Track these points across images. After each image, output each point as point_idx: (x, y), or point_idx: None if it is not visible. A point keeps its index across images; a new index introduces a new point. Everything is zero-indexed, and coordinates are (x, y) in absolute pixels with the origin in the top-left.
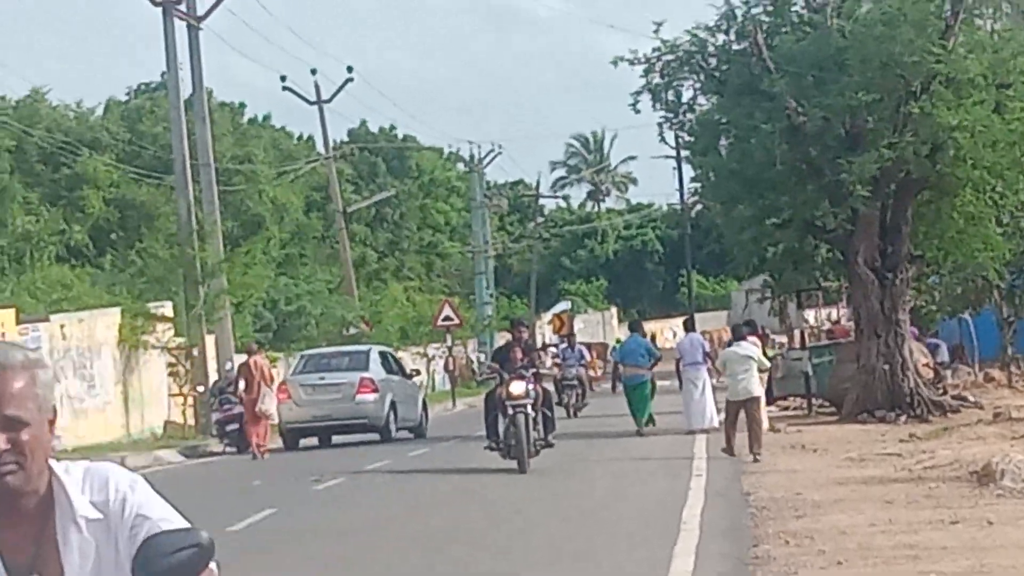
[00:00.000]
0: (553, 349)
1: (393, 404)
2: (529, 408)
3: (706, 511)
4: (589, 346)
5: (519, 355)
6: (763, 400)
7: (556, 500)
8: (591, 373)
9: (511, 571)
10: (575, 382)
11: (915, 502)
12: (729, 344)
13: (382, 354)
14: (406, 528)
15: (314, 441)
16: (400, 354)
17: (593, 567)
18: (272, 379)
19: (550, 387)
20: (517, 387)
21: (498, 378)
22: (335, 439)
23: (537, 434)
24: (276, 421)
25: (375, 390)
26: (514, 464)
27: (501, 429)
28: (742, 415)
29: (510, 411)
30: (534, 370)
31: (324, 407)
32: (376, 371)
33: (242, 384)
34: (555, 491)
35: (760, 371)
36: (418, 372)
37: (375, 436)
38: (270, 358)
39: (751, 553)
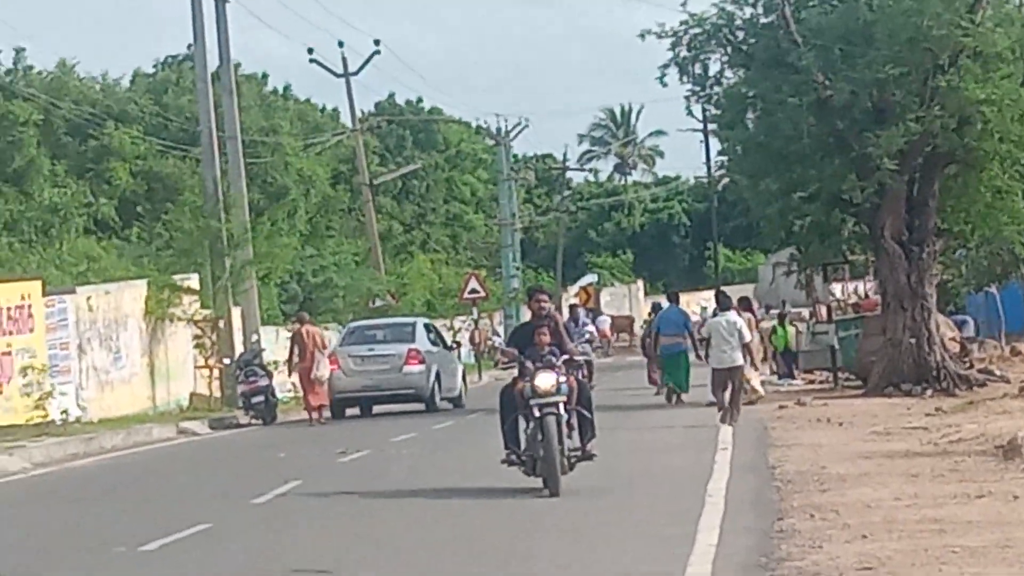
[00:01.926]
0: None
1: (438, 375)
2: (561, 408)
3: (731, 485)
4: (596, 316)
5: (546, 337)
6: (746, 369)
7: (579, 473)
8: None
9: (533, 544)
10: (580, 360)
11: (940, 476)
12: (715, 314)
13: (427, 326)
14: (429, 502)
15: (355, 411)
16: None
17: (618, 541)
18: (324, 346)
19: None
20: (545, 380)
21: (518, 368)
22: (376, 409)
23: (571, 442)
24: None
25: (422, 361)
26: (539, 483)
27: (523, 437)
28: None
29: (535, 412)
30: (565, 356)
31: (373, 377)
32: (422, 343)
33: (296, 352)
34: (578, 464)
35: (743, 343)
36: (459, 344)
37: (419, 406)
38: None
39: (776, 527)
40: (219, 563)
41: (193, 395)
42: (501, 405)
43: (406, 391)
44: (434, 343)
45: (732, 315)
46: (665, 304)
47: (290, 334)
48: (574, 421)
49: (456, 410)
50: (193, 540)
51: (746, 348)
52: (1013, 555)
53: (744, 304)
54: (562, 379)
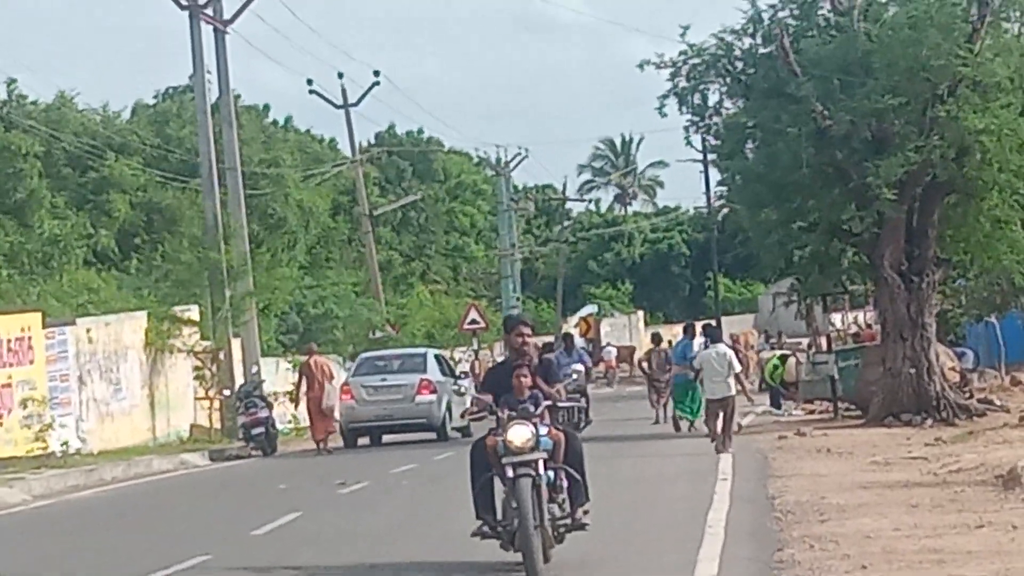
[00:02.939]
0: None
1: (449, 405)
2: (541, 467)
3: (731, 514)
4: (593, 347)
5: (527, 379)
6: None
7: None
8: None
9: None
10: (574, 395)
11: (940, 506)
12: (706, 346)
13: (437, 357)
14: (428, 532)
15: (364, 439)
16: None
17: (617, 571)
18: (333, 377)
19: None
20: (519, 433)
21: (494, 419)
22: (385, 438)
23: (560, 509)
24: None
25: (433, 391)
26: (518, 557)
27: (498, 502)
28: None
29: (508, 473)
30: (548, 403)
31: (386, 407)
32: (433, 373)
33: (304, 383)
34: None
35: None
36: (466, 374)
37: (430, 435)
38: (295, 362)
39: (775, 557)
40: None
41: (193, 427)
42: (471, 464)
43: (418, 420)
44: (444, 373)
45: (722, 347)
46: (680, 335)
47: (290, 365)
48: (562, 481)
49: (463, 439)
50: (192, 572)
51: (738, 378)
52: None
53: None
54: (542, 431)
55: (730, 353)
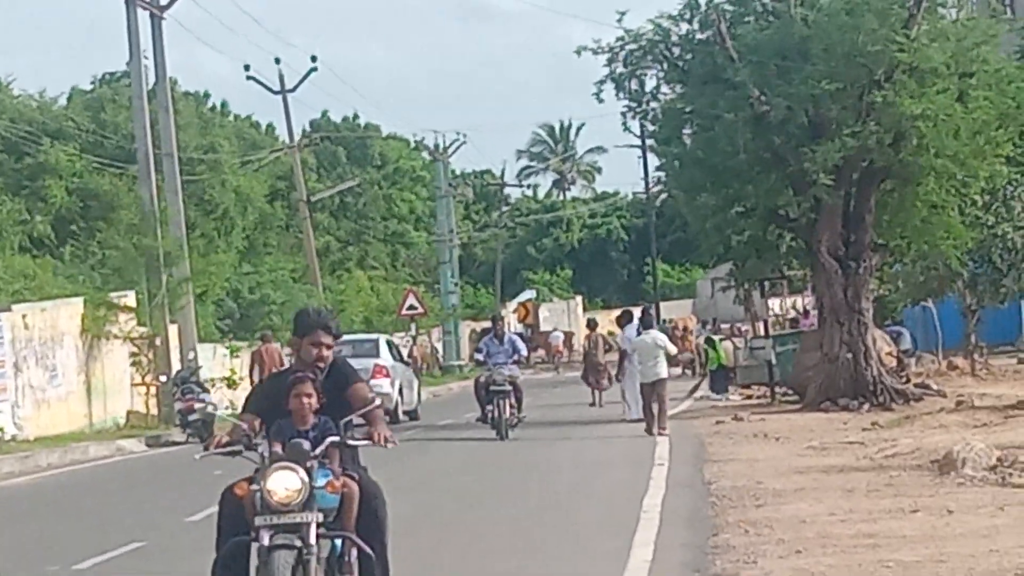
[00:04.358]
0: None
1: (401, 389)
2: (313, 534)
3: (667, 500)
4: (531, 334)
5: (309, 399)
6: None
7: (516, 490)
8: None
9: (470, 563)
10: (506, 386)
11: (876, 491)
12: (638, 332)
13: (388, 343)
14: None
15: None
16: None
17: (553, 558)
18: (283, 364)
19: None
20: (282, 483)
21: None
22: None
23: None
24: None
25: (387, 375)
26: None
27: None
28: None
29: (264, 540)
30: (334, 438)
31: None
32: (386, 358)
33: (256, 370)
34: (516, 481)
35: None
36: (414, 359)
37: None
38: (232, 348)
39: (711, 542)
40: None
41: (130, 413)
42: (219, 518)
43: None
44: (395, 359)
45: (654, 332)
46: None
47: (227, 351)
48: (350, 557)
49: (403, 423)
50: (127, 558)
51: (669, 361)
52: (947, 569)
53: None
54: (320, 480)
55: (662, 337)
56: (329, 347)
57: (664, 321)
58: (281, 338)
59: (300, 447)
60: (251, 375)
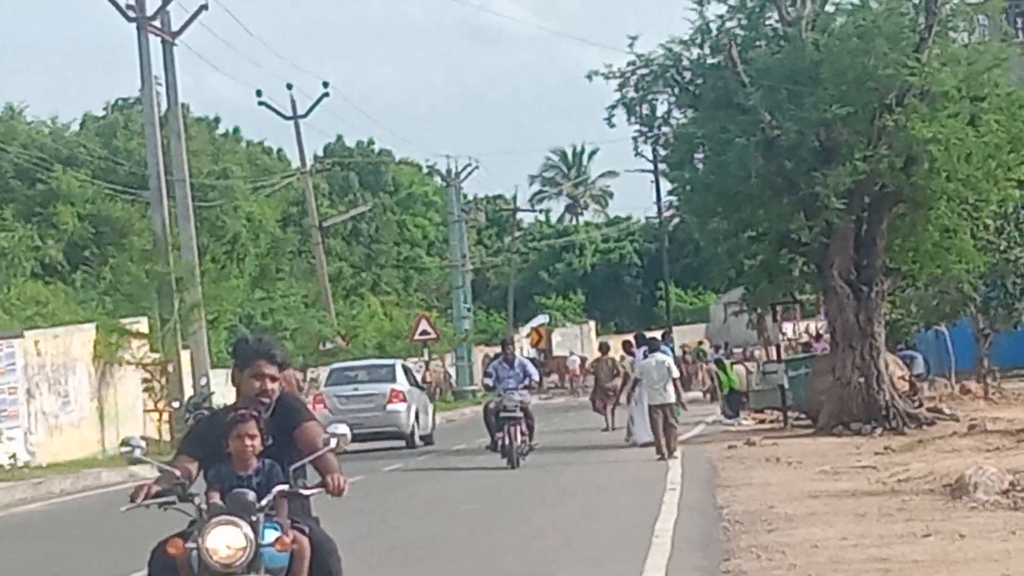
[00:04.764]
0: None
1: (417, 413)
2: None
3: (679, 524)
4: (544, 359)
5: (250, 444)
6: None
7: (529, 514)
8: (572, 382)
9: None
10: (516, 412)
11: (888, 515)
12: (645, 356)
13: (404, 368)
14: (375, 543)
15: None
16: None
17: None
18: (300, 388)
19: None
20: (223, 541)
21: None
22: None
23: None
24: None
25: (404, 399)
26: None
27: None
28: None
29: None
30: (283, 487)
31: (357, 416)
32: (402, 383)
33: None
34: (528, 505)
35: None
36: (429, 384)
37: (400, 443)
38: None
39: (722, 567)
40: None
41: (143, 439)
42: None
43: (389, 428)
44: (411, 383)
45: (660, 355)
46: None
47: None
48: None
49: (419, 448)
50: None
51: (675, 384)
52: None
53: (627, 347)
54: (268, 536)
55: (668, 360)
56: (274, 379)
57: (676, 346)
58: (296, 364)
59: (244, 498)
60: None
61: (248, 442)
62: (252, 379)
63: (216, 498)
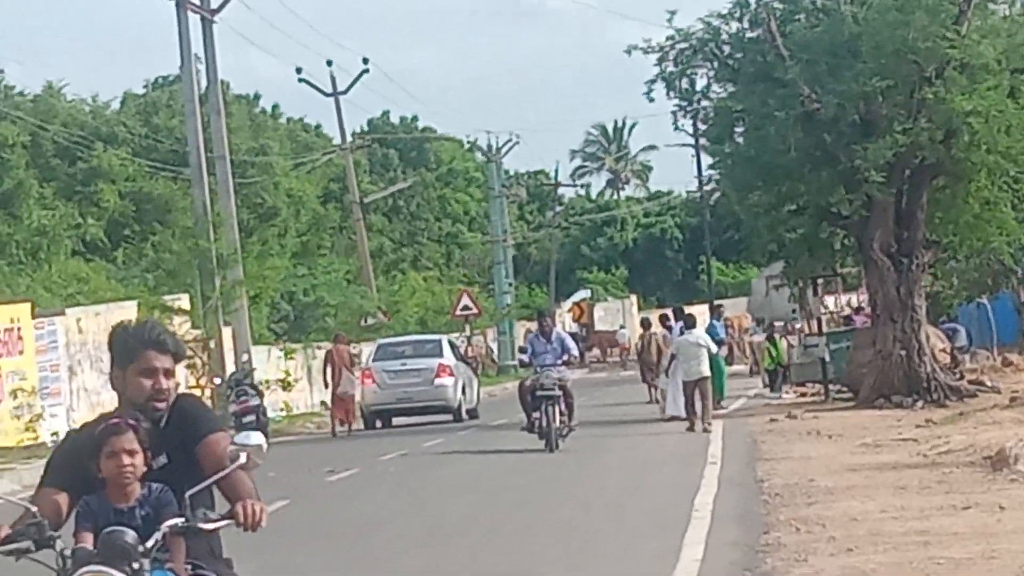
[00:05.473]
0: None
1: (463, 387)
2: None
3: (719, 498)
4: (586, 333)
5: (129, 466)
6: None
7: (568, 489)
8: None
9: (521, 562)
10: (554, 390)
11: (928, 488)
12: (681, 332)
13: (450, 343)
14: (415, 520)
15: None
16: None
17: (604, 556)
18: (352, 364)
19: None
20: None
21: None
22: (396, 420)
23: None
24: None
25: (451, 374)
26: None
27: None
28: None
29: None
30: (176, 521)
31: (406, 390)
32: (449, 358)
33: (328, 370)
34: (567, 480)
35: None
36: (474, 359)
37: (446, 417)
38: (286, 350)
39: (762, 540)
40: None
41: None
42: None
43: (436, 402)
44: (457, 358)
45: (696, 331)
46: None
47: (281, 354)
48: None
49: (454, 424)
50: None
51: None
52: (998, 566)
53: (663, 320)
54: None
55: (706, 337)
56: (169, 374)
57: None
58: (326, 337)
59: (121, 539)
60: (323, 376)
61: (127, 460)
62: (140, 377)
63: (86, 540)
